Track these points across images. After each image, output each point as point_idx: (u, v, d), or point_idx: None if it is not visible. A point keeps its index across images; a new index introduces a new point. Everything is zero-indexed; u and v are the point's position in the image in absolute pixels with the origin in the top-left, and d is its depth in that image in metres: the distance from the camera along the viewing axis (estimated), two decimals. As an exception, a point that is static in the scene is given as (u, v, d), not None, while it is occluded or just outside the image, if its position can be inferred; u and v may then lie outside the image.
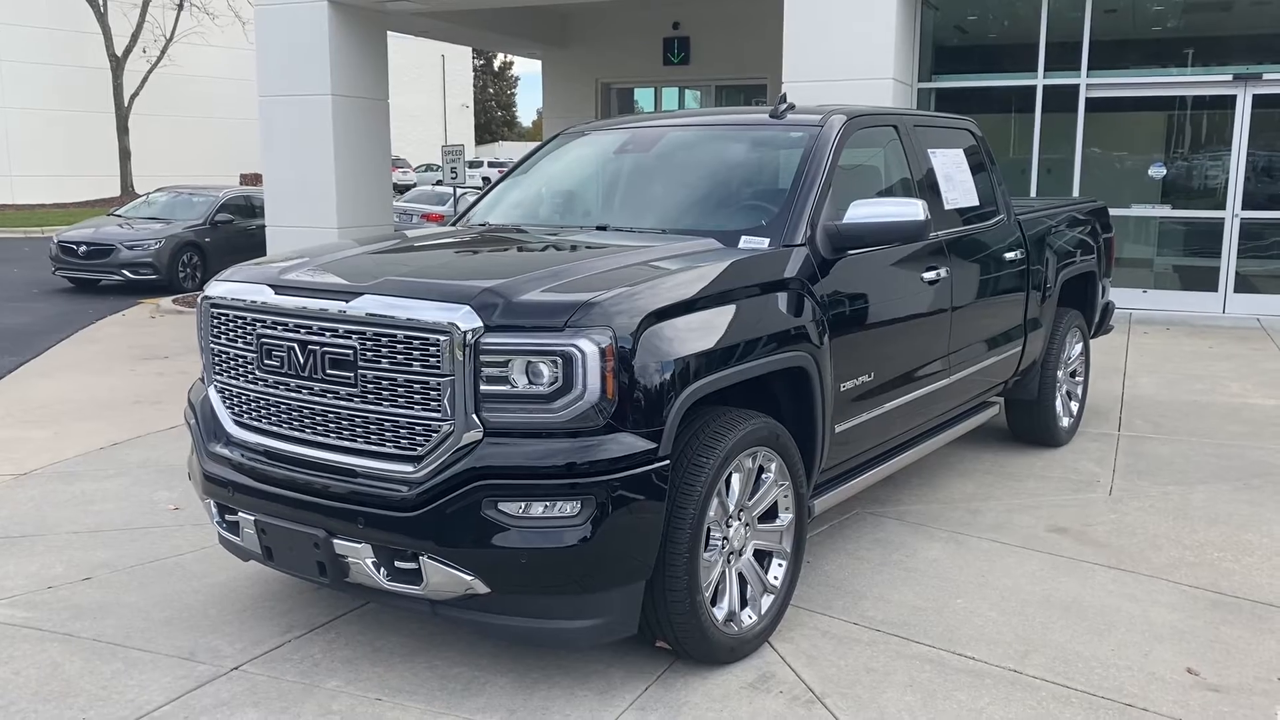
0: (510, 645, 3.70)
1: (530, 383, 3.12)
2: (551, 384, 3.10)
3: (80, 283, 15.52)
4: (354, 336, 3.29)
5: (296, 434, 3.49)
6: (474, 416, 3.13)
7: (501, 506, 3.12)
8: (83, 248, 15.26)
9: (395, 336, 3.22)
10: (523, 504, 3.11)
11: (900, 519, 5.19)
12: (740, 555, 3.70)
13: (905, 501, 5.44)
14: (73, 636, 3.83)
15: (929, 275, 4.77)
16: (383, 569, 3.29)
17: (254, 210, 16.29)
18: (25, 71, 32.72)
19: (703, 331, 3.43)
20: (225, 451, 3.68)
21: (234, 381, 3.67)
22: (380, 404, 3.27)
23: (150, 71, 32.30)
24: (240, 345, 3.61)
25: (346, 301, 3.32)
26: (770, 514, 3.82)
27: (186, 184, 19.89)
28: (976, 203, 5.48)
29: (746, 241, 4.02)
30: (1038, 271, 5.90)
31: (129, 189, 31.03)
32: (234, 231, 16.17)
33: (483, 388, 3.13)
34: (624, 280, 3.38)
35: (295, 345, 3.41)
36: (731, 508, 3.59)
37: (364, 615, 3.98)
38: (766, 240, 4.02)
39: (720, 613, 3.57)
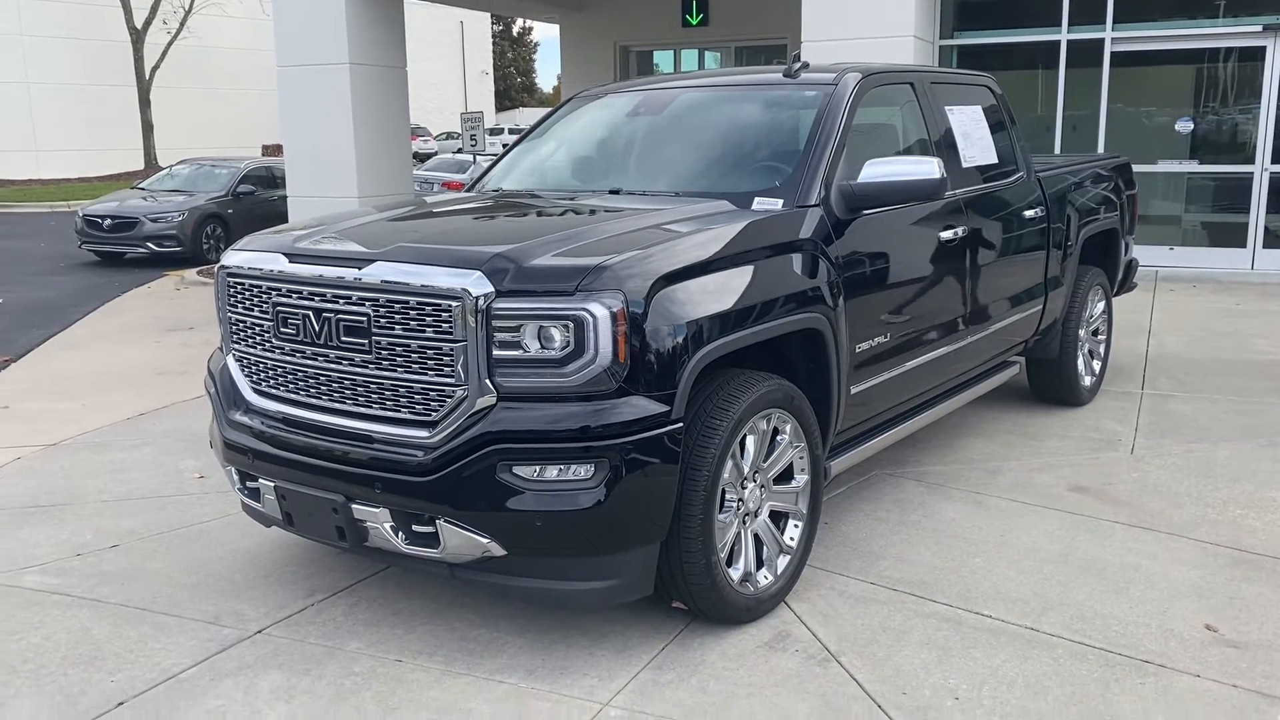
0: (528, 607, 3.74)
1: (542, 347, 3.13)
2: (563, 348, 3.11)
3: (106, 256, 15.68)
4: (367, 304, 3.31)
5: (314, 401, 3.53)
6: (487, 381, 3.15)
7: (516, 470, 3.14)
8: (107, 221, 15.40)
9: (408, 303, 3.23)
10: (537, 467, 3.13)
11: (919, 480, 5.19)
12: (756, 516, 3.72)
13: (924, 462, 5.43)
14: (101, 602, 3.90)
15: (946, 234, 4.73)
16: (401, 533, 3.33)
17: (275, 181, 16.35)
18: (48, 46, 32.88)
19: (715, 294, 3.42)
20: (245, 419, 3.72)
21: (252, 350, 3.70)
22: (395, 370, 3.29)
23: (170, 44, 32.37)
24: (257, 314, 3.64)
25: (359, 269, 3.34)
26: (786, 476, 3.83)
27: (209, 156, 19.99)
28: (995, 160, 5.42)
29: (760, 203, 4.00)
30: (1058, 229, 5.84)
31: (152, 162, 31.20)
32: (256, 202, 16.26)
33: (495, 353, 3.14)
34: (635, 244, 3.38)
35: (310, 313, 3.43)
36: (746, 469, 3.60)
37: (385, 579, 4.04)
38: (780, 201, 4.00)
39: (736, 573, 3.60)
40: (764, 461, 3.70)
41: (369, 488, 3.31)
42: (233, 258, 3.75)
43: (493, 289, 3.12)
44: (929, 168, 4.07)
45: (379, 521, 3.34)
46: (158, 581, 4.10)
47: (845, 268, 4.03)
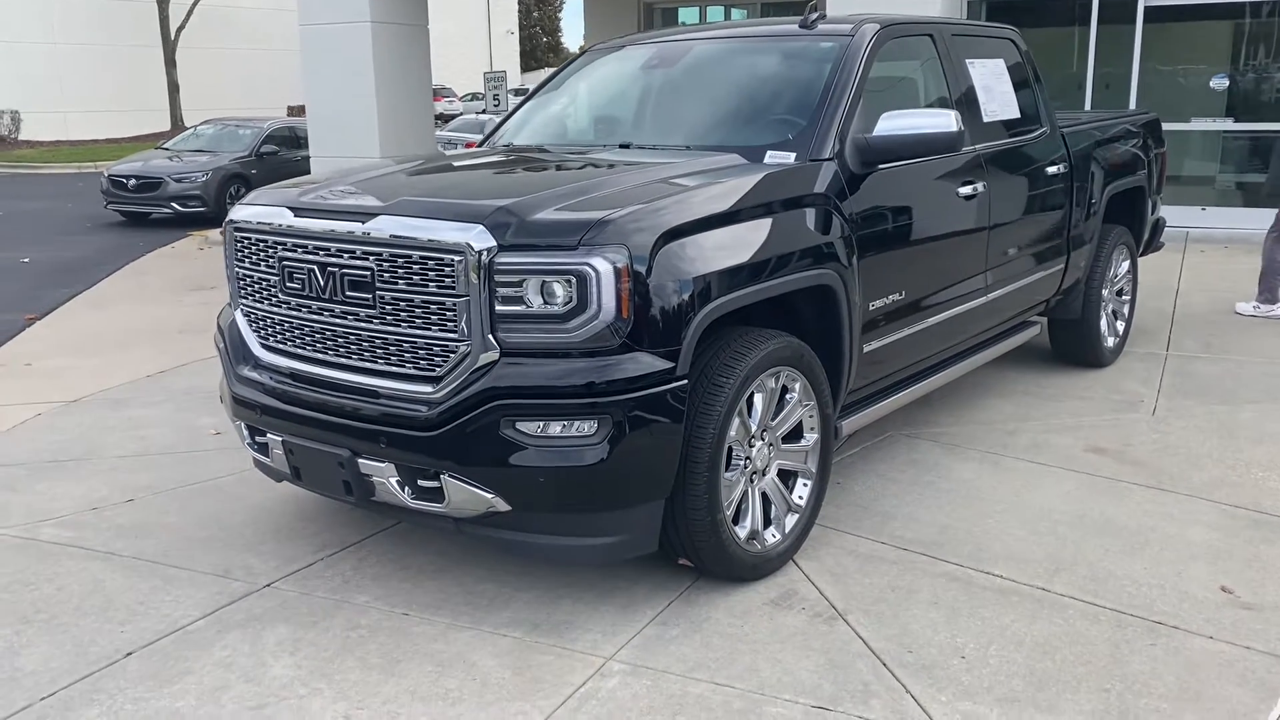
0: (536, 563, 3.74)
1: (545, 302, 3.10)
2: (566, 304, 3.08)
3: (131, 216, 15.75)
4: (371, 258, 3.29)
5: (319, 356, 3.52)
6: (490, 337, 3.13)
7: (519, 426, 3.12)
8: (132, 181, 15.46)
9: (411, 258, 3.21)
10: (540, 423, 3.12)
11: (934, 440, 5.14)
12: (764, 475, 3.69)
13: (940, 423, 5.38)
14: (114, 555, 3.94)
15: (965, 190, 4.64)
16: (406, 488, 3.33)
17: (299, 141, 16.35)
18: (75, 7, 32.93)
19: (722, 249, 3.38)
20: (253, 374, 3.72)
21: (259, 305, 3.70)
22: (398, 325, 3.28)
23: (195, 3, 32.33)
24: (263, 269, 3.63)
25: (363, 223, 3.31)
26: (795, 434, 3.79)
27: (233, 116, 19.99)
28: (1018, 115, 5.30)
29: (772, 156, 3.94)
30: (1082, 187, 5.73)
31: (178, 122, 31.28)
32: (279, 162, 16.26)
33: (498, 308, 3.11)
34: (641, 198, 3.33)
35: (315, 268, 3.42)
36: (754, 427, 3.57)
37: (394, 534, 4.05)
38: (793, 155, 3.93)
39: (743, 531, 3.58)
40: (772, 420, 3.66)
41: (374, 443, 3.31)
42: (240, 212, 3.74)
43: (495, 243, 3.09)
44: (946, 120, 3.99)
45: (384, 476, 3.34)
46: (170, 536, 4.13)
47: (859, 223, 3.97)
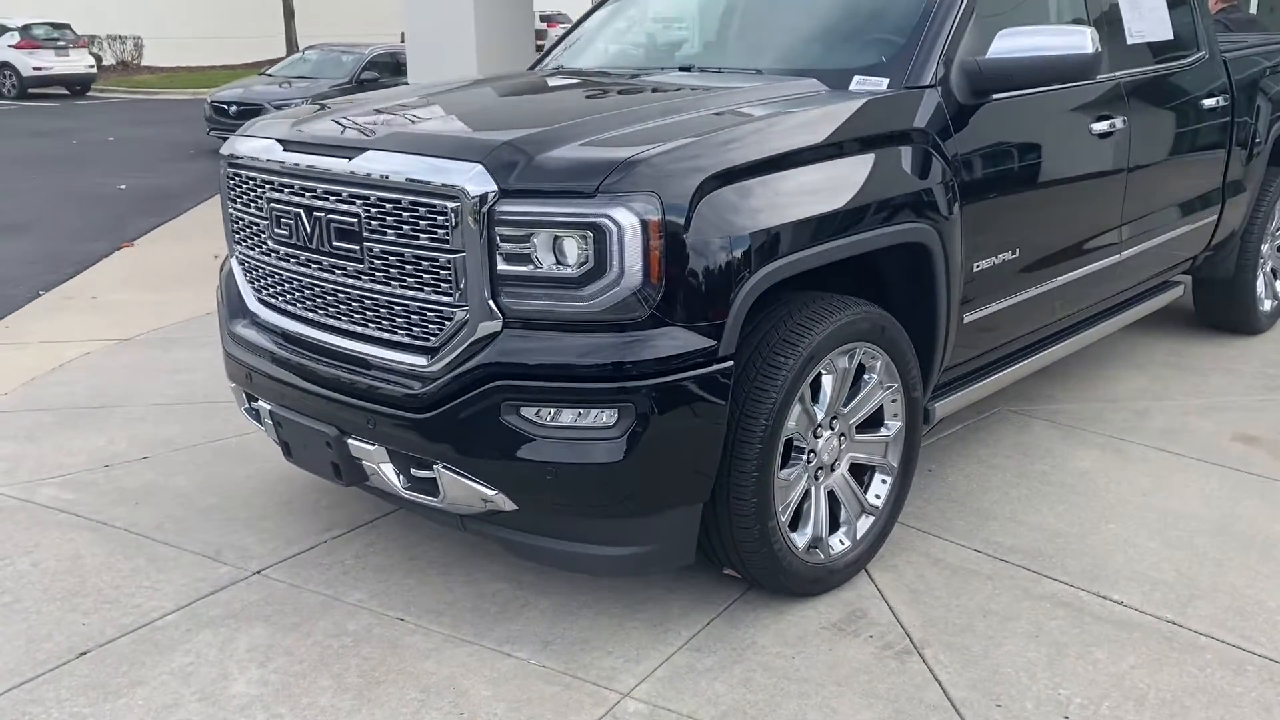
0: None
1: (558, 262, 2.52)
2: (581, 265, 2.49)
3: (232, 142, 15.63)
4: (358, 202, 2.75)
5: (309, 315, 3.03)
6: (491, 303, 2.56)
7: (524, 412, 2.57)
8: (233, 108, 15.30)
9: (400, 202, 2.66)
10: (548, 410, 2.56)
11: (1050, 420, 4.41)
12: (832, 471, 3.07)
13: (1059, 399, 4.64)
14: (105, 525, 3.56)
15: (1100, 126, 3.85)
16: (401, 475, 2.83)
17: (400, 68, 15.95)
18: (194, -69, 33.17)
19: (784, 198, 2.73)
20: (246, 332, 3.25)
21: (251, 253, 3.21)
22: (389, 284, 2.74)
23: (312, -73, 32.16)
24: (253, 210, 3.13)
25: (349, 159, 2.77)
26: (873, 421, 3.16)
27: (341, 42, 19.72)
28: (1170, 37, 4.44)
29: (860, 83, 3.24)
30: (1244, 124, 4.83)
31: (294, 48, 31.31)
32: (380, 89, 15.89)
33: (501, 268, 2.54)
34: (683, 132, 2.70)
35: (301, 211, 2.90)
36: (820, 415, 2.95)
37: (408, 516, 3.56)
38: (885, 81, 3.23)
39: (801, 539, 2.98)
40: (844, 405, 3.03)
41: (364, 422, 2.80)
42: (233, 144, 3.25)
43: (496, 187, 2.51)
44: (1079, 40, 3.22)
45: (376, 461, 2.84)
46: (173, 502, 3.74)
47: (965, 166, 3.26)
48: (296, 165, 2.91)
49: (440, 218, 2.58)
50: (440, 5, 12.20)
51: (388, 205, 2.68)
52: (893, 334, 3.05)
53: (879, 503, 3.20)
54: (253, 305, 3.25)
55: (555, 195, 2.50)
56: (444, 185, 2.56)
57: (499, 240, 2.53)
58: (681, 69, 3.67)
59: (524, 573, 3.18)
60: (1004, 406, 4.52)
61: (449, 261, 2.59)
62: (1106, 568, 3.25)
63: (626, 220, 2.45)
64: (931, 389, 3.40)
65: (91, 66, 26.33)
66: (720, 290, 2.58)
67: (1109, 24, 4.05)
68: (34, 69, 24.76)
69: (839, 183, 2.87)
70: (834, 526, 3.11)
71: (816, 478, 3.02)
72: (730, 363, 2.62)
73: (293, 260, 3.00)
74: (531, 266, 2.53)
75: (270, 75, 17.28)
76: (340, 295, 2.89)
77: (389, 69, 16.45)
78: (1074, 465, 3.99)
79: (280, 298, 3.12)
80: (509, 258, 2.54)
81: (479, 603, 3.05)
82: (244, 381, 3.25)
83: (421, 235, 2.63)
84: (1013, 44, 3.25)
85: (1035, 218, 3.62)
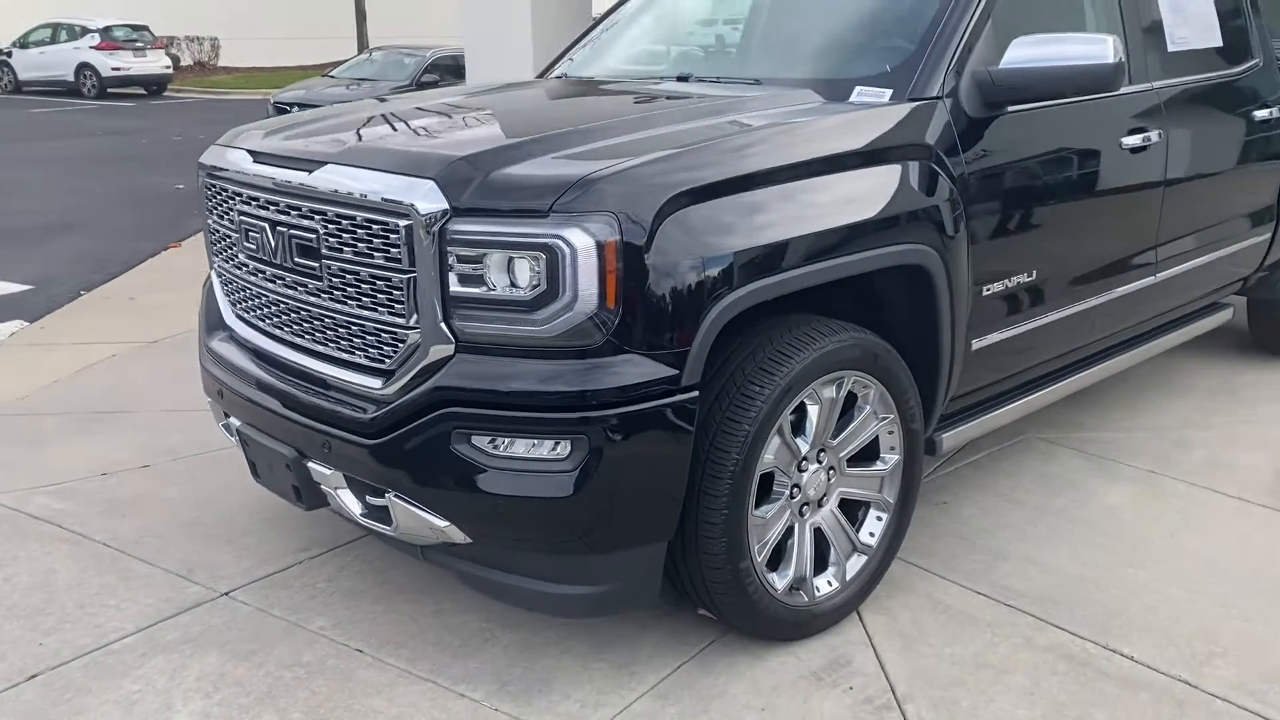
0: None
1: (511, 285, 2.38)
2: (533, 287, 2.34)
3: (293, 143, 15.80)
4: (316, 217, 2.64)
5: (275, 332, 2.93)
6: (443, 326, 2.43)
7: (475, 441, 2.43)
8: (295, 109, 15.46)
9: (355, 219, 2.54)
10: (499, 439, 2.42)
11: (1080, 449, 4.16)
12: (819, 506, 2.88)
13: (1091, 426, 4.37)
14: (85, 538, 3.51)
15: (1133, 140, 3.60)
16: (358, 501, 2.71)
17: (460, 71, 15.95)
18: (269, -66, 33.78)
19: (759, 219, 2.55)
20: (220, 346, 3.17)
21: (226, 266, 3.13)
22: (346, 303, 2.63)
23: (385, -70, 32.54)
24: (226, 222, 3.05)
25: (309, 173, 2.66)
26: (868, 453, 2.96)
27: (406, 44, 19.87)
28: (1219, 44, 4.16)
29: (861, 94, 3.05)
30: (1303, 135, 4.51)
31: (365, 50, 31.74)
32: (437, 91, 15.94)
33: (453, 289, 2.41)
34: (652, 148, 2.54)
35: (267, 225, 2.80)
36: (805, 448, 2.76)
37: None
38: (888, 93, 3.03)
39: (782, 580, 2.80)
40: (833, 437, 2.84)
41: (319, 444, 2.69)
42: (209, 154, 3.16)
43: (447, 205, 2.38)
44: (1099, 49, 2.99)
45: (333, 486, 2.73)
46: (158, 515, 3.68)
47: (973, 183, 3.05)
48: (262, 178, 2.82)
49: (393, 236, 2.45)
50: (497, 4, 12.19)
51: (343, 222, 2.57)
52: (886, 362, 2.86)
53: (873, 541, 3.00)
54: (229, 319, 3.17)
55: (508, 214, 2.36)
56: (396, 202, 2.43)
57: (451, 260, 2.39)
58: (679, 79, 3.50)
59: (494, 604, 3.03)
60: (1031, 433, 4.27)
61: (402, 281, 2.46)
62: (1120, 618, 3.01)
63: (580, 241, 2.30)
64: (936, 419, 3.19)
65: (167, 67, 26.95)
66: (684, 316, 2.41)
67: (1148, 31, 3.80)
68: (113, 69, 25.40)
69: (825, 202, 2.68)
70: (822, 566, 2.92)
71: (801, 514, 2.84)
72: (695, 393, 2.45)
73: (260, 275, 2.91)
74: (485, 288, 2.39)
75: (333, 77, 17.45)
76: (302, 313, 2.78)
77: (450, 71, 16.49)
78: (1100, 501, 3.74)
79: (251, 313, 3.03)
80: (462, 279, 2.40)
81: (443, 635, 2.92)
82: (216, 397, 3.17)
83: (376, 254, 2.51)
84: (1027, 53, 3.03)
85: (1054, 238, 3.38)
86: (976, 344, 3.19)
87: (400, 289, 2.47)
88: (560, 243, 2.30)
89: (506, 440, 2.41)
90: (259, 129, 3.12)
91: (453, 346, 2.44)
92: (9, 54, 26.73)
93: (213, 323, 3.26)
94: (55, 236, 9.08)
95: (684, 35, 3.98)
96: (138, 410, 4.81)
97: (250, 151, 2.94)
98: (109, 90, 25.55)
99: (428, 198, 2.39)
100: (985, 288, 3.16)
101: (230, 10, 33.02)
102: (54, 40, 26.25)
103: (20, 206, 10.47)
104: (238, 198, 2.93)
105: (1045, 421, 4.34)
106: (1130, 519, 3.60)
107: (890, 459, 3.00)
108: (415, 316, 2.46)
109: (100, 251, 8.51)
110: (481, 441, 2.43)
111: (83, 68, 25.53)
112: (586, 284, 2.32)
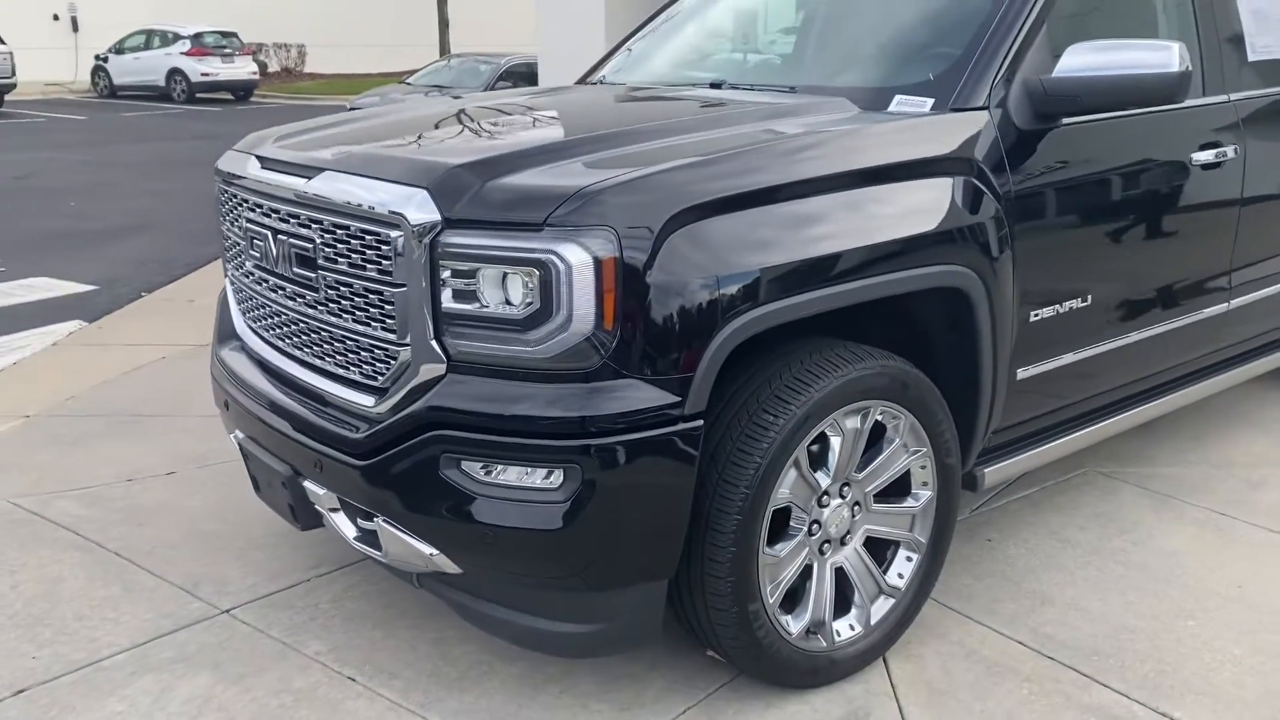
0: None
1: (505, 302, 2.24)
2: (526, 305, 2.20)
3: (367, 149, 15.97)
4: (314, 226, 2.53)
5: (278, 343, 2.83)
6: (434, 343, 2.30)
7: (466, 466, 2.30)
8: (369, 114, 15.63)
9: (349, 229, 2.43)
10: (490, 465, 2.28)
11: (1143, 485, 3.88)
12: (842, 544, 2.69)
13: (1158, 460, 4.09)
14: (99, 546, 3.46)
15: (1204, 156, 3.33)
16: (352, 524, 2.60)
17: (534, 78, 15.99)
18: (356, -57, 34.42)
19: (776, 236, 2.36)
20: (229, 355, 3.09)
21: (237, 274, 3.05)
22: (341, 317, 2.52)
23: (469, -61, 32.90)
24: (236, 229, 2.96)
25: (307, 179, 2.56)
26: (898, 489, 2.76)
27: (486, 52, 19.98)
28: (1307, 53, 3.85)
29: (902, 103, 2.85)
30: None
31: (445, 57, 32.11)
32: (511, 99, 15.97)
33: (445, 305, 2.28)
34: (663, 158, 2.38)
35: (269, 233, 2.71)
36: (826, 482, 2.57)
37: (400, 557, 3.34)
38: (929, 102, 2.83)
39: (796, 623, 2.61)
40: (858, 471, 2.64)
41: (312, 462, 2.58)
42: (225, 159, 3.08)
43: (439, 216, 2.25)
44: (1163, 56, 2.75)
45: (326, 507, 2.62)
46: (175, 525, 3.62)
47: (1022, 201, 2.82)
48: (266, 184, 2.73)
49: (385, 247, 2.33)
50: (570, 10, 12.13)
51: (338, 231, 2.45)
52: (918, 391, 2.65)
53: (901, 584, 2.79)
54: (240, 329, 3.09)
55: (502, 227, 2.22)
56: (388, 212, 2.31)
57: (444, 275, 2.26)
58: (712, 85, 3.33)
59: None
60: (1091, 467, 4.00)
61: (393, 295, 2.34)
62: (1175, 676, 2.76)
63: (576, 258, 2.15)
64: (976, 453, 2.97)
65: (254, 73, 27.54)
66: (689, 339, 2.25)
67: (1226, 39, 3.52)
68: (202, 75, 26.04)
69: (849, 219, 2.49)
70: (844, 609, 2.73)
71: (821, 552, 2.65)
72: (699, 422, 2.28)
73: (264, 285, 2.82)
74: (478, 305, 2.25)
75: (409, 83, 17.62)
76: (301, 325, 2.68)
77: (524, 78, 16.52)
78: (1161, 543, 3.46)
79: (258, 323, 2.95)
80: (455, 294, 2.27)
81: (440, 665, 2.79)
82: (223, 408, 3.09)
83: (369, 265, 2.39)
84: (1083, 61, 2.80)
85: (1112, 261, 3.14)
86: (1022, 373, 2.96)
87: (392, 303, 2.35)
88: (554, 259, 2.15)
89: (498, 467, 2.27)
90: (275, 134, 3.03)
91: (444, 366, 2.30)
92: (105, 59, 27.59)
93: (224, 332, 3.19)
94: (127, 237, 9.24)
95: (721, 41, 3.81)
96: (176, 415, 4.79)
97: (259, 157, 2.84)
98: (197, 95, 26.20)
99: (420, 208, 2.26)
100: (1033, 313, 2.93)
101: (318, 18, 33.70)
102: (147, 46, 27.01)
103: (100, 208, 10.70)
104: (245, 204, 2.85)
105: (1107, 454, 4.07)
106: (1192, 565, 3.33)
107: (922, 495, 2.79)
108: (405, 333, 2.33)
109: (167, 253, 8.62)
110: (472, 467, 2.29)
111: (173, 73, 26.22)
112: (582, 303, 2.17)
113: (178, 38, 26.47)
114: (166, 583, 3.23)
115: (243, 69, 26.99)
